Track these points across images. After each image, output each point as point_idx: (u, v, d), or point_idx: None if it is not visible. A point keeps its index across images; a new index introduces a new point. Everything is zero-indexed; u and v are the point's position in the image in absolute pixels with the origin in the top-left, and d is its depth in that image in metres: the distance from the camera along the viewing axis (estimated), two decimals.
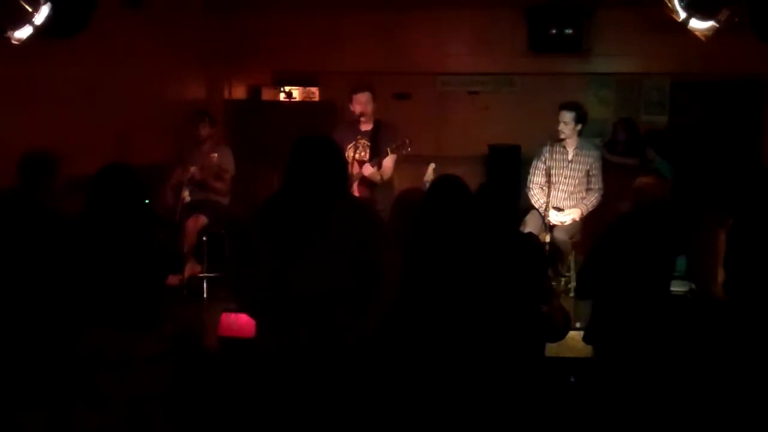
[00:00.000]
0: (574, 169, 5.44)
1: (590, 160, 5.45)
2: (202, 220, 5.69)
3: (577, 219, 5.41)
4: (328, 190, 2.83)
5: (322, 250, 2.73)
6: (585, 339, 3.85)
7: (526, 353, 2.98)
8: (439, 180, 3.17)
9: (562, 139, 5.38)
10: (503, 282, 2.89)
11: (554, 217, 5.36)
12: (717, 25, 4.37)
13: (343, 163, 3.06)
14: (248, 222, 3.01)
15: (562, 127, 5.33)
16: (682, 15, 4.45)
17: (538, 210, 5.46)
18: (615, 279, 3.67)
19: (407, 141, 5.21)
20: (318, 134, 3.23)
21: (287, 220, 2.80)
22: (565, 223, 5.38)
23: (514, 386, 2.90)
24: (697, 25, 4.44)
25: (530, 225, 5.39)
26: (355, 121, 5.38)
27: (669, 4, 4.48)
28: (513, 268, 2.92)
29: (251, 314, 3.03)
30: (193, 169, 5.58)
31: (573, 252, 5.48)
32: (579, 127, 5.38)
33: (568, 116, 5.33)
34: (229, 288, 3.06)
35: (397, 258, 2.84)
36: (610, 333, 3.68)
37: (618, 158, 6.59)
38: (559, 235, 5.33)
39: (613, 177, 5.73)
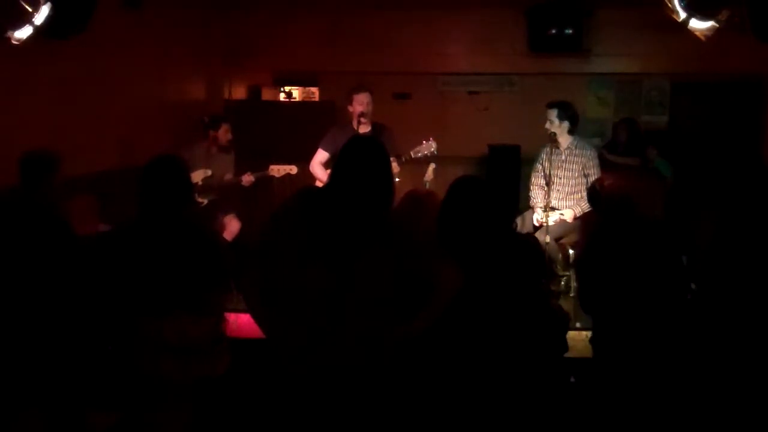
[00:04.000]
0: (568, 169, 5.41)
1: (584, 159, 5.40)
2: (236, 225, 5.74)
3: (568, 219, 5.35)
4: (379, 199, 2.65)
5: (370, 265, 2.55)
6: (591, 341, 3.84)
7: (538, 354, 2.98)
8: (462, 181, 3.06)
9: (556, 140, 5.37)
10: (515, 282, 2.88)
11: (538, 217, 5.36)
12: (717, 25, 4.37)
13: (391, 172, 2.82)
14: (275, 224, 2.73)
15: (548, 125, 5.34)
16: (682, 15, 4.45)
17: (534, 210, 5.47)
18: (613, 284, 3.65)
19: (433, 144, 5.35)
20: (369, 138, 3.09)
21: (331, 227, 2.58)
22: (555, 221, 5.35)
23: (524, 386, 2.89)
24: (697, 25, 4.44)
25: (527, 224, 5.40)
26: (350, 123, 5.38)
27: (669, 4, 4.48)
28: (516, 268, 2.91)
29: (271, 328, 2.74)
30: (203, 173, 5.68)
31: (571, 252, 5.48)
32: (566, 124, 5.35)
33: (552, 114, 5.34)
34: (246, 293, 2.79)
35: (452, 270, 2.67)
36: (612, 335, 3.67)
37: (618, 158, 6.59)
38: (542, 237, 5.27)
39: (614, 177, 5.72)
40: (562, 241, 5.45)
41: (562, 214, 5.37)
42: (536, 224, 5.37)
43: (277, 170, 5.77)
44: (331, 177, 2.76)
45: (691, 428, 3.58)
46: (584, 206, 5.40)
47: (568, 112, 5.36)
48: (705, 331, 3.70)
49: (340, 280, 2.54)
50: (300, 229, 2.62)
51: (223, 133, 5.81)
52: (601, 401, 3.68)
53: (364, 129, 5.34)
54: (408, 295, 2.63)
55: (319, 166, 5.47)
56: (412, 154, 5.36)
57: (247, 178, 5.76)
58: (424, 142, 5.41)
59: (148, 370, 3.32)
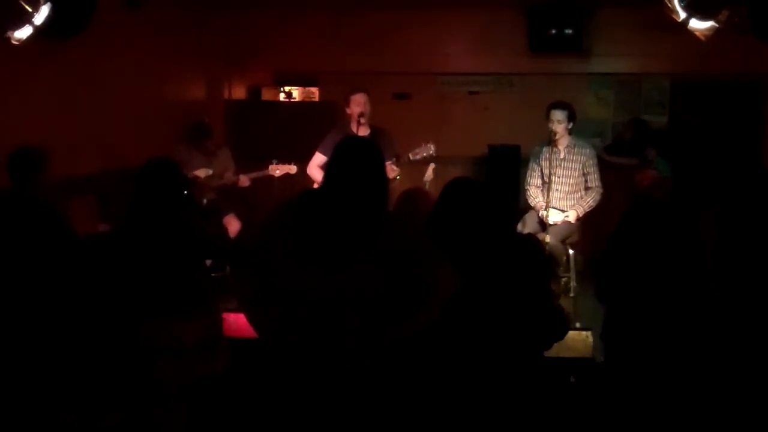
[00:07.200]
0: (568, 168, 5.42)
1: (583, 158, 5.42)
2: (236, 224, 5.75)
3: (572, 221, 5.37)
4: (373, 200, 2.63)
5: (365, 266, 2.53)
6: (602, 336, 3.82)
7: (535, 353, 2.98)
8: (455, 183, 3.07)
9: (556, 140, 5.38)
10: (512, 283, 2.87)
11: (551, 216, 5.36)
12: (717, 25, 4.37)
13: (385, 172, 2.80)
14: (269, 225, 2.73)
15: (555, 126, 5.33)
16: (682, 15, 4.45)
17: (536, 210, 5.46)
18: (631, 279, 3.62)
19: (432, 147, 5.32)
20: (361, 138, 3.07)
21: (326, 230, 2.56)
22: (558, 223, 5.35)
23: (522, 387, 2.89)
24: (697, 25, 4.44)
25: (529, 225, 5.38)
26: (349, 125, 5.39)
27: (669, 4, 4.49)
28: (517, 269, 2.91)
29: (265, 329, 2.73)
30: (205, 172, 5.69)
31: (572, 252, 5.48)
32: (570, 125, 5.39)
33: (561, 115, 5.33)
34: (238, 293, 2.79)
35: (448, 272, 2.64)
36: (626, 333, 3.64)
37: (617, 158, 6.60)
38: (550, 237, 5.27)
39: (614, 177, 5.73)
40: (567, 241, 5.44)
41: (567, 216, 5.38)
42: (552, 223, 5.35)
43: (277, 170, 5.76)
44: (324, 178, 2.74)
45: (700, 425, 3.57)
46: (586, 206, 5.42)
47: (573, 112, 5.40)
48: (711, 332, 3.70)
49: (335, 281, 2.53)
50: (294, 231, 2.60)
51: (204, 147, 5.81)
52: (609, 397, 3.67)
53: (363, 131, 5.34)
54: (404, 297, 2.62)
55: (316, 168, 5.46)
56: (410, 156, 5.36)
57: (243, 180, 5.76)
58: (422, 144, 5.40)
59: (145, 371, 3.32)
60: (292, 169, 5.77)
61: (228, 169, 5.90)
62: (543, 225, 5.29)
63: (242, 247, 2.84)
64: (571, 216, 5.37)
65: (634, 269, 3.60)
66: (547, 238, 5.20)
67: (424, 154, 5.38)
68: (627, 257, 3.64)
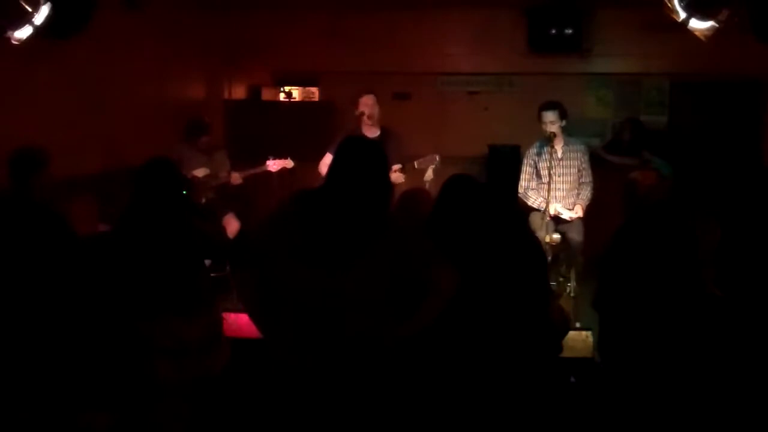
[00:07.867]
0: (566, 167, 5.50)
1: (579, 155, 5.56)
2: (235, 224, 5.76)
3: (581, 215, 5.46)
4: (375, 200, 2.63)
5: (366, 266, 2.53)
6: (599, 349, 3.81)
7: (533, 354, 2.97)
8: (453, 179, 3.06)
9: (550, 139, 5.42)
10: (512, 282, 2.87)
11: (560, 209, 5.40)
12: (717, 25, 4.37)
13: (388, 172, 2.80)
14: (269, 225, 2.72)
15: (549, 127, 5.38)
16: (682, 15, 4.45)
17: (539, 211, 5.47)
18: (633, 279, 3.60)
19: (437, 157, 5.40)
20: (365, 139, 3.11)
21: (328, 230, 2.56)
22: (572, 219, 5.41)
23: (521, 387, 2.89)
24: (697, 25, 4.44)
25: (536, 227, 5.39)
26: (358, 127, 5.44)
27: (669, 4, 4.48)
28: (518, 268, 2.90)
29: (267, 328, 2.74)
30: (203, 172, 5.68)
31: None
32: (563, 123, 5.42)
33: (552, 116, 5.40)
34: (241, 293, 2.80)
35: (448, 272, 2.65)
36: (627, 334, 3.63)
37: (616, 158, 6.60)
38: (574, 235, 5.36)
39: (612, 177, 5.73)
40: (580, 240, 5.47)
41: (577, 213, 5.43)
42: (568, 219, 5.42)
43: (274, 165, 5.77)
44: (326, 177, 2.74)
45: (700, 425, 3.57)
46: (586, 200, 5.50)
47: (563, 110, 5.45)
48: (712, 332, 3.69)
49: (336, 281, 2.53)
50: (296, 230, 2.60)
51: (202, 144, 5.82)
52: (606, 402, 3.67)
53: (372, 132, 5.44)
54: (404, 297, 2.62)
55: (326, 166, 5.50)
56: (416, 164, 5.49)
57: (235, 177, 5.77)
58: (428, 154, 5.51)
59: (144, 372, 3.33)
60: (289, 163, 5.79)
61: (224, 170, 5.91)
62: (551, 226, 5.30)
63: (242, 247, 2.84)
64: (579, 212, 5.47)
65: (636, 269, 3.60)
66: (548, 238, 5.21)
67: (430, 165, 5.48)
68: (630, 258, 3.63)
